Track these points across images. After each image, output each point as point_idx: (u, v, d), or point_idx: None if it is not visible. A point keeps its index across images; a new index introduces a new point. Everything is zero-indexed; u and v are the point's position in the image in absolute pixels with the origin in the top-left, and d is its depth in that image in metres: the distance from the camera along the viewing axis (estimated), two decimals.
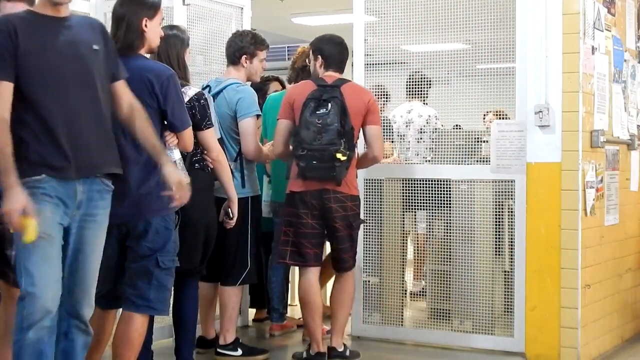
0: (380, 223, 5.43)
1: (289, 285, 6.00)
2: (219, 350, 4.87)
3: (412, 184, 5.33)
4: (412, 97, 6.21)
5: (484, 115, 6.22)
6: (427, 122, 6.27)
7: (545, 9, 4.88)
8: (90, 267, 3.33)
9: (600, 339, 5.16)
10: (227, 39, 5.04)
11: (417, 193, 5.30)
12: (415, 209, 5.52)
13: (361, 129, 4.70)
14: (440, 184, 5.25)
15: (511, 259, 5.06)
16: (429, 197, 5.27)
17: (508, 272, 5.13)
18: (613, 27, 5.34)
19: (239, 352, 4.87)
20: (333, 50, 4.78)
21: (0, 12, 3.52)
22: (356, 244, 4.84)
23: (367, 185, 5.42)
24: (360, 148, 4.96)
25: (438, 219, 5.44)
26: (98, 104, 3.28)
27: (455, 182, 5.24)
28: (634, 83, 5.74)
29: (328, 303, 5.11)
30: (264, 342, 5.46)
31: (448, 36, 5.30)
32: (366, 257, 5.44)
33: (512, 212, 5.07)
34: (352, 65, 5.45)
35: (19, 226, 3.03)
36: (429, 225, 5.63)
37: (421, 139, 6.22)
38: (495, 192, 5.16)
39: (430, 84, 5.86)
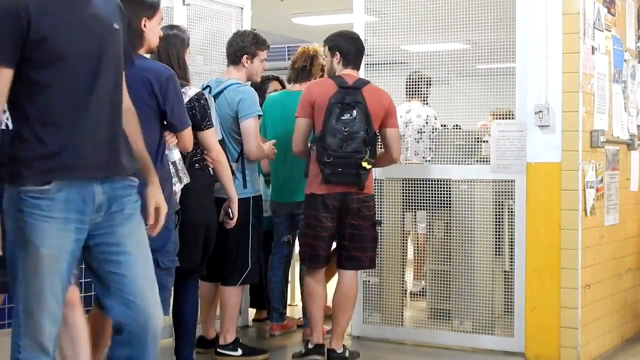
0: (380, 223, 5.42)
1: (289, 285, 5.99)
2: (219, 350, 4.87)
3: (412, 184, 5.33)
4: (411, 97, 6.22)
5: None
6: (426, 123, 6.28)
7: (545, 9, 4.88)
8: (139, 268, 2.81)
9: (600, 339, 5.16)
10: (227, 39, 5.04)
11: (417, 193, 5.30)
12: (415, 209, 5.52)
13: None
14: (440, 184, 5.26)
15: (511, 259, 5.06)
16: (429, 197, 5.27)
17: (508, 272, 5.13)
18: (613, 27, 5.34)
19: (239, 352, 4.87)
20: (351, 46, 4.78)
21: None
22: (377, 244, 4.86)
23: None
24: None
25: (438, 219, 5.44)
26: (120, 94, 2.85)
27: (455, 182, 5.25)
28: (634, 83, 5.73)
29: (329, 303, 5.11)
30: (264, 342, 5.46)
31: (448, 36, 5.30)
32: None
33: (512, 212, 5.07)
34: None
35: None
36: (429, 225, 5.63)
37: (420, 139, 6.22)
38: (495, 192, 5.16)
39: (429, 84, 5.87)
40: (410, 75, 5.89)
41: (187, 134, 3.90)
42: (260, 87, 5.67)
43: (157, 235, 3.04)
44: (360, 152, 4.51)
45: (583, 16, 4.86)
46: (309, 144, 4.80)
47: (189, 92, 4.22)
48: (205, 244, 4.42)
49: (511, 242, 5.07)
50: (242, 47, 4.87)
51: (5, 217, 2.71)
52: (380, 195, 5.40)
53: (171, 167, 3.90)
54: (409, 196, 5.34)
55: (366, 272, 5.39)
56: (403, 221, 5.50)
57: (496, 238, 5.18)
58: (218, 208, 4.49)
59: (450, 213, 5.27)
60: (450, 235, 5.27)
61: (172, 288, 4.02)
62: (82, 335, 3.40)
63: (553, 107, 4.87)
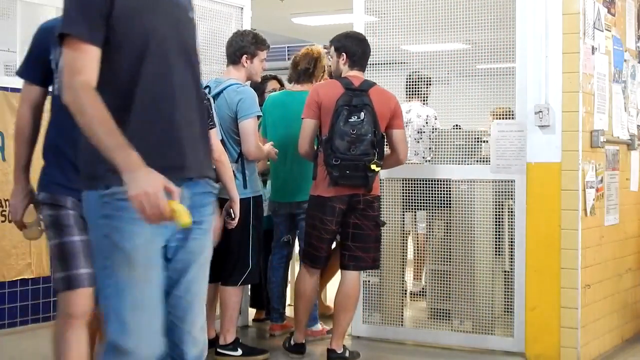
0: (384, 224, 5.42)
1: (289, 285, 5.99)
2: (219, 350, 4.87)
3: (412, 184, 5.33)
4: (411, 97, 6.22)
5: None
6: (426, 123, 6.28)
7: (545, 9, 4.88)
8: (198, 290, 2.55)
9: (600, 339, 5.16)
10: (227, 39, 5.04)
11: (417, 193, 5.31)
12: (415, 208, 5.52)
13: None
14: (440, 184, 5.26)
15: (511, 259, 5.06)
16: (429, 197, 5.27)
17: (508, 272, 5.14)
18: (613, 27, 5.34)
19: (239, 352, 4.87)
20: (357, 48, 4.77)
21: None
22: (380, 244, 4.86)
23: None
24: None
25: (438, 219, 5.44)
26: (199, 86, 2.54)
27: (455, 182, 5.25)
28: (634, 83, 5.74)
29: (328, 303, 5.11)
30: (264, 342, 5.46)
31: (448, 36, 5.30)
32: None
33: (512, 212, 5.07)
34: None
35: (167, 212, 2.18)
36: (429, 225, 5.63)
37: (420, 139, 6.23)
38: (495, 192, 5.16)
39: (429, 84, 5.87)
40: (410, 75, 5.89)
41: None
42: (259, 87, 5.66)
43: None
44: (368, 154, 4.50)
45: (583, 16, 4.86)
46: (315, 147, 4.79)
47: None
48: None
49: (511, 242, 5.07)
50: (242, 46, 4.87)
51: (88, 228, 2.41)
52: (381, 195, 5.40)
53: None
54: (409, 196, 5.34)
55: (366, 272, 5.39)
56: (403, 221, 5.51)
57: (496, 238, 5.18)
58: (219, 208, 4.49)
59: (450, 213, 5.27)
60: (450, 235, 5.27)
61: None
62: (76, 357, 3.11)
63: (553, 107, 4.87)
